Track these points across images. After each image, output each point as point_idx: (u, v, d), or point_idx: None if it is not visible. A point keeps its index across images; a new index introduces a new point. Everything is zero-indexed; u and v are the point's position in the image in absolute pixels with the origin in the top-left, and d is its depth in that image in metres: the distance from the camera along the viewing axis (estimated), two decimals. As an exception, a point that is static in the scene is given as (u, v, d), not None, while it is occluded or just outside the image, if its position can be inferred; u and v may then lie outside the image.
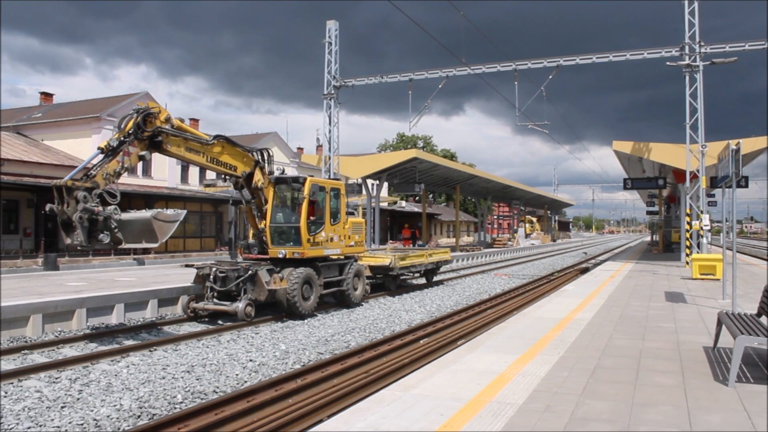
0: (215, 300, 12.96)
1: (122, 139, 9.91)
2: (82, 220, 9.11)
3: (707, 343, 7.59)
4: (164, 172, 38.45)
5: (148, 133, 10.21)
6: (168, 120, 10.66)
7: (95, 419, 6.68)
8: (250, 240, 14.37)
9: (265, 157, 13.33)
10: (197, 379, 8.36)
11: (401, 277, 19.19)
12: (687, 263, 21.02)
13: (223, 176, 13.13)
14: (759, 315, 6.64)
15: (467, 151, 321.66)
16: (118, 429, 6.55)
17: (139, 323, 12.30)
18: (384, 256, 18.50)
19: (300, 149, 58.05)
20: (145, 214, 10.19)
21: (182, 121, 10.82)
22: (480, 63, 24.64)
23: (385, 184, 38.38)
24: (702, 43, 20.99)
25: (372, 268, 17.60)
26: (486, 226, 59.92)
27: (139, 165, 37.28)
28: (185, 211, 11.27)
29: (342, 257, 15.44)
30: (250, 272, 12.73)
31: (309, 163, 45.97)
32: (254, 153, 13.13)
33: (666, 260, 27.22)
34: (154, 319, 12.97)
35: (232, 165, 12.50)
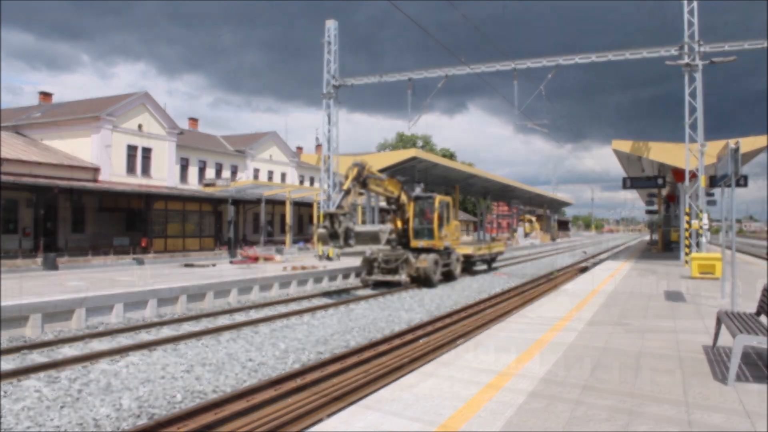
0: (381, 274, 19.88)
1: (353, 183, 16.57)
2: (343, 232, 15.62)
3: (706, 342, 7.58)
4: (164, 171, 38.26)
5: (362, 178, 17.13)
6: (369, 169, 17.50)
7: (95, 419, 6.68)
8: (391, 236, 20.61)
9: (403, 185, 20.44)
10: (197, 379, 8.36)
11: (476, 263, 25.77)
12: (686, 262, 21.01)
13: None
14: (758, 314, 6.64)
15: (469, 149, 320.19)
16: (118, 429, 6.55)
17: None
18: (467, 247, 25.03)
19: (299, 149, 58.07)
20: (374, 227, 17.91)
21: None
22: (479, 62, 24.50)
23: (385, 184, 38.33)
24: (701, 43, 20.96)
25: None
26: (485, 226, 59.93)
27: (139, 165, 37.40)
28: (390, 226, 19.83)
29: (446, 248, 21.79)
30: (405, 256, 19.68)
31: (308, 162, 45.90)
32: (400, 181, 20.31)
33: (665, 259, 27.21)
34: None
35: (392, 191, 19.76)
